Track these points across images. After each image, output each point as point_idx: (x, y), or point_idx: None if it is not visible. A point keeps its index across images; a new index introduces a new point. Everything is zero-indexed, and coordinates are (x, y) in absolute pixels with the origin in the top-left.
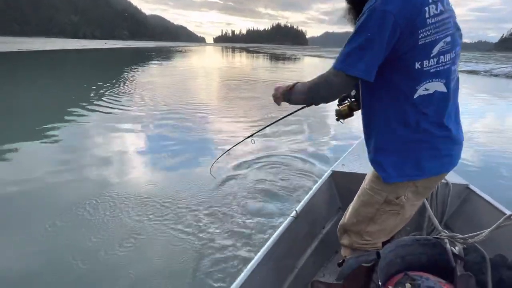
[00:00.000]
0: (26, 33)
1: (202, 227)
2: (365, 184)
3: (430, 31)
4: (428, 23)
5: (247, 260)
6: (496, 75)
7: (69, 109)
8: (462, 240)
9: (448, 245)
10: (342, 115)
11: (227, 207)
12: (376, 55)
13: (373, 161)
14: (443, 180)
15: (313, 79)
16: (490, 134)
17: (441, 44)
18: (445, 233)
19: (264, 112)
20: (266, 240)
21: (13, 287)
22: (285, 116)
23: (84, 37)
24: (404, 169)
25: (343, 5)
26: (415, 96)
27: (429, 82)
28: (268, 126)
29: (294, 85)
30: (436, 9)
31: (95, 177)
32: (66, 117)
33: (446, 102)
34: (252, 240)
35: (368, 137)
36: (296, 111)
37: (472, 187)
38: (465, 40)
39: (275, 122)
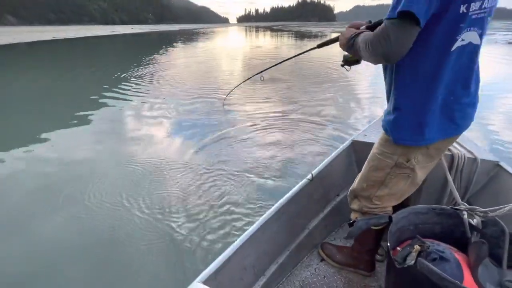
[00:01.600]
0: (62, 22)
1: None
2: (374, 149)
3: None
4: None
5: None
6: None
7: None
8: (482, 214)
9: (465, 216)
10: (348, 61)
11: None
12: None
13: (388, 122)
14: (470, 156)
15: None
16: None
17: None
18: (465, 205)
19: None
20: (279, 197)
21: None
22: (293, 56)
23: (113, 22)
24: (418, 132)
25: None
26: (453, 48)
27: (468, 30)
28: (277, 64)
29: (360, 33)
30: None
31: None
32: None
33: (475, 57)
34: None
35: (388, 98)
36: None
37: (503, 164)
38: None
39: (281, 62)
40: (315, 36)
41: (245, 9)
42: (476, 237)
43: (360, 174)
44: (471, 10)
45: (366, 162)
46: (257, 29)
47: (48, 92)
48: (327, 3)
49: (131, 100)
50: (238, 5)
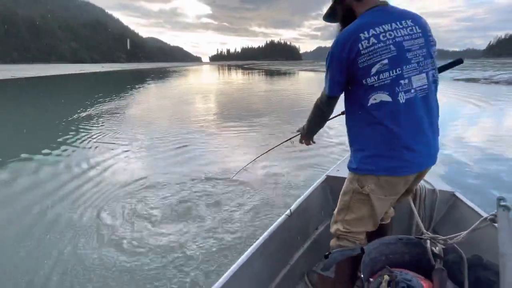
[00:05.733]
0: (26, 60)
1: None
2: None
3: (365, 57)
4: (362, 53)
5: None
6: (496, 82)
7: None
8: (442, 241)
9: (428, 245)
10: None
11: None
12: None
13: (351, 156)
14: (429, 187)
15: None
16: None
17: (377, 65)
18: (428, 234)
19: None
20: (260, 234)
21: None
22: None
23: (83, 61)
24: (365, 164)
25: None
26: (368, 104)
27: (376, 93)
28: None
29: (304, 126)
30: (368, 42)
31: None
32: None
33: (395, 109)
34: None
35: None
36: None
37: (458, 194)
38: (454, 48)
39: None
40: (284, 74)
41: (217, 49)
42: (440, 264)
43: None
44: (369, 82)
45: None
46: (229, 67)
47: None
48: (293, 44)
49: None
50: (210, 46)
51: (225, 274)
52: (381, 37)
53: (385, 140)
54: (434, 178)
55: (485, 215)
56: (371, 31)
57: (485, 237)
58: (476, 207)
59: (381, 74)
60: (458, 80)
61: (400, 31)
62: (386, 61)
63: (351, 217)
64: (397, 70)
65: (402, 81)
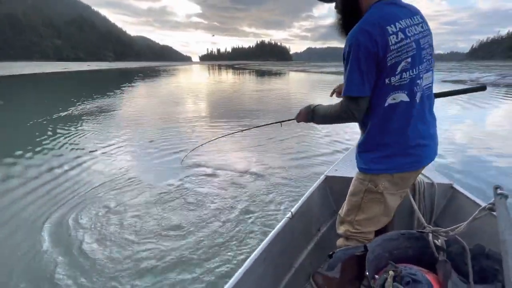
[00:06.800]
0: (9, 58)
1: None
2: (354, 176)
3: (394, 53)
4: (391, 49)
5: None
6: (483, 84)
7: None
8: (444, 233)
9: (430, 238)
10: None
11: None
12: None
13: (356, 156)
14: (428, 181)
15: (335, 108)
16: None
17: (402, 63)
18: (429, 227)
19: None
20: (262, 239)
21: None
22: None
23: (67, 59)
24: (379, 163)
25: (325, 22)
26: (386, 104)
27: (396, 93)
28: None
29: (313, 109)
30: (396, 37)
31: None
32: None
33: (411, 108)
34: None
35: (360, 139)
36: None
37: (456, 186)
38: (439, 51)
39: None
40: (275, 74)
41: (207, 48)
42: (443, 256)
43: (345, 200)
44: (392, 81)
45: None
46: (220, 67)
47: None
48: (284, 44)
49: None
50: (200, 45)
51: (229, 282)
52: (407, 32)
53: (401, 138)
54: (431, 172)
55: (483, 204)
56: (398, 25)
57: (486, 227)
58: (474, 197)
59: (404, 73)
60: (446, 81)
61: (415, 27)
62: (409, 59)
63: (362, 217)
64: (416, 69)
65: (418, 81)
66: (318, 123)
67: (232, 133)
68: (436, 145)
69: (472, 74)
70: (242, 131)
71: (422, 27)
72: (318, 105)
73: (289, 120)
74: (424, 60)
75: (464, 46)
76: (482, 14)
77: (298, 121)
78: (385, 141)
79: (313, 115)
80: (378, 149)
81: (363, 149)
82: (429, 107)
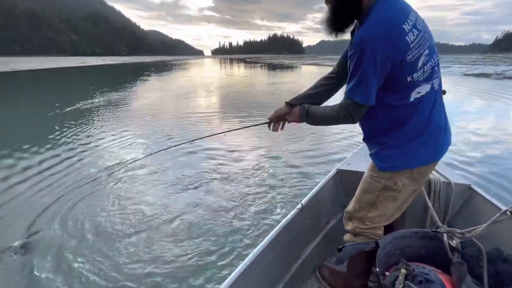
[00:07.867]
0: (27, 53)
1: None
2: (366, 173)
3: (414, 50)
4: (411, 47)
5: None
6: (510, 77)
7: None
8: (459, 235)
9: (445, 238)
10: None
11: None
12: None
13: (373, 155)
14: (445, 180)
15: (332, 109)
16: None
17: (422, 57)
18: (444, 228)
19: None
20: (271, 228)
21: None
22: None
23: (84, 54)
24: (400, 159)
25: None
26: (411, 99)
27: (420, 86)
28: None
29: (308, 110)
30: (413, 34)
31: None
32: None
33: (433, 99)
34: None
35: (369, 138)
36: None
37: (474, 187)
38: (460, 42)
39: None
40: (287, 68)
41: (219, 42)
42: (457, 258)
43: (354, 197)
44: (415, 77)
45: (359, 185)
46: (231, 60)
47: None
48: (296, 37)
49: None
50: (212, 39)
51: (237, 269)
52: (417, 25)
53: (425, 130)
54: (448, 171)
55: (504, 208)
56: (409, 21)
57: (504, 231)
58: (494, 200)
59: (426, 66)
60: (467, 75)
61: (416, 15)
62: (427, 50)
63: (374, 214)
64: (434, 58)
65: (436, 68)
66: (311, 123)
67: (247, 126)
68: (450, 133)
69: (497, 67)
70: (255, 125)
71: (419, 22)
72: (311, 105)
73: (284, 120)
74: (434, 51)
75: (488, 37)
76: (508, 2)
77: (289, 122)
78: (408, 136)
79: (307, 115)
80: (401, 144)
81: (382, 146)
82: (440, 93)
